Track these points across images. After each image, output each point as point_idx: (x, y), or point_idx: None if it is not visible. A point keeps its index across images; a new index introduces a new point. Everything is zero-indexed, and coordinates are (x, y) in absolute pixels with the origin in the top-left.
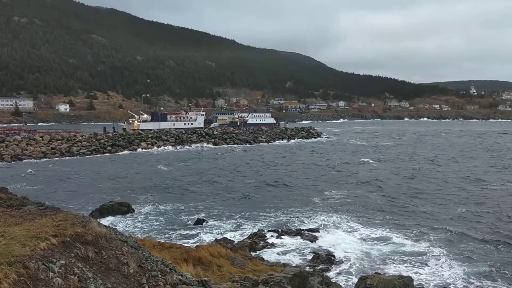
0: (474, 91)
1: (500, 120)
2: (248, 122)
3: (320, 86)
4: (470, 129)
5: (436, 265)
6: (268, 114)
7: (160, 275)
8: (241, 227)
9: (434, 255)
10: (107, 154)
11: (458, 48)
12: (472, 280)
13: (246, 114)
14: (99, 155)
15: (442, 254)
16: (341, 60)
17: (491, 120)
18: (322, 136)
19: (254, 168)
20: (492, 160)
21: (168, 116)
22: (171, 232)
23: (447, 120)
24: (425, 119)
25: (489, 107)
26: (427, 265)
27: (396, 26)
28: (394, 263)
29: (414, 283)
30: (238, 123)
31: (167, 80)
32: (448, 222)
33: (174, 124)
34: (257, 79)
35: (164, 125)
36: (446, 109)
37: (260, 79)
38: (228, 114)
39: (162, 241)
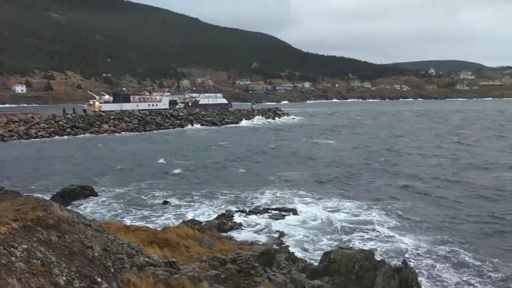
0: (433, 71)
1: (458, 99)
2: (199, 103)
3: (286, 67)
4: (429, 108)
5: (394, 236)
6: (219, 95)
7: (126, 258)
8: (208, 208)
9: (393, 227)
10: (66, 136)
11: (416, 28)
12: (430, 248)
13: (197, 95)
14: (57, 137)
15: (398, 225)
16: (305, 41)
17: (447, 99)
18: (289, 117)
19: (220, 148)
20: (436, 138)
21: (131, 97)
22: (136, 215)
23: (407, 99)
24: (387, 100)
25: (447, 87)
26: (389, 237)
27: (358, 6)
28: (358, 237)
29: (376, 255)
30: (190, 104)
31: (129, 60)
32: (399, 194)
33: (137, 106)
34: (222, 59)
35: (127, 106)
36: (406, 89)
37: (226, 60)
38: (179, 94)
39: (128, 223)
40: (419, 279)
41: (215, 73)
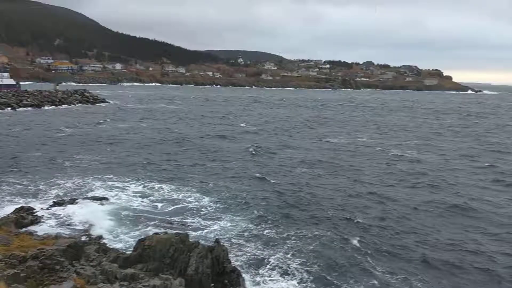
0: (241, 60)
1: (264, 88)
2: None
3: (94, 46)
4: (237, 96)
5: (209, 217)
6: (6, 74)
7: None
8: (3, 203)
9: (207, 208)
10: None
11: (226, 18)
12: (242, 227)
13: None
14: None
15: (213, 206)
16: (115, 19)
17: (254, 87)
18: (99, 100)
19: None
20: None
21: None
22: None
23: (218, 86)
24: (201, 86)
25: (254, 76)
26: (204, 218)
27: None
28: (174, 221)
29: (191, 238)
30: None
31: None
32: (208, 176)
33: None
34: (19, 35)
35: None
36: (218, 76)
37: (24, 35)
38: None
39: None
40: (230, 255)
41: (10, 49)
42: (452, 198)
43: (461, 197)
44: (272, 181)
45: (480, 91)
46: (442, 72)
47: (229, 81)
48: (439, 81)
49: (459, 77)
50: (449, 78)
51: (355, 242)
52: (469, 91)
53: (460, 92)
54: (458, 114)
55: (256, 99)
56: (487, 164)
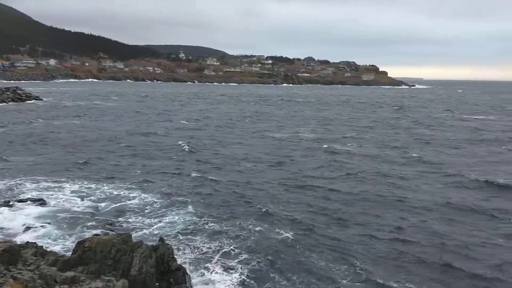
0: (183, 55)
1: (207, 83)
2: None
3: (26, 41)
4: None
5: (154, 215)
6: None
7: None
8: None
9: (151, 206)
10: None
11: (163, 12)
12: (188, 223)
13: None
14: None
15: (157, 204)
16: (48, 14)
17: (196, 82)
18: (32, 97)
19: None
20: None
21: None
22: None
23: (159, 82)
24: (144, 81)
25: (197, 71)
26: (147, 217)
27: None
28: (116, 221)
29: (135, 238)
30: None
31: None
32: (151, 174)
33: None
34: None
35: None
36: (159, 71)
37: None
38: None
39: None
40: (176, 253)
41: None
42: (382, 188)
43: (395, 188)
44: (213, 177)
45: (413, 85)
46: (378, 68)
47: (171, 76)
48: (375, 76)
49: (394, 72)
50: (385, 73)
51: (295, 235)
52: (403, 86)
53: (395, 87)
54: (391, 107)
55: (198, 95)
56: (415, 155)
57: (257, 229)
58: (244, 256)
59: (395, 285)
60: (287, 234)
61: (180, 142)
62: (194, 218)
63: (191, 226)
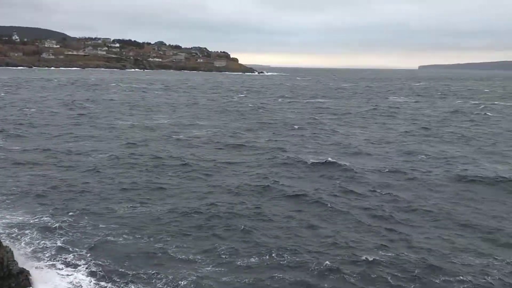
0: (17, 37)
1: (45, 68)
2: None
3: None
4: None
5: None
6: None
7: None
8: None
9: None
10: None
11: None
12: (23, 222)
13: None
14: None
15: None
16: None
17: (34, 68)
18: None
19: None
20: None
21: None
22: None
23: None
24: None
25: (34, 55)
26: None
27: None
28: None
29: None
30: None
31: None
32: None
33: None
34: None
35: None
36: None
37: None
38: None
39: None
40: (17, 255)
41: None
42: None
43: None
44: (46, 172)
45: (262, 72)
46: (229, 55)
47: (3, 60)
48: (227, 63)
49: (244, 59)
50: (236, 60)
51: (144, 229)
52: (255, 72)
53: (246, 73)
54: (240, 93)
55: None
56: (240, 143)
57: (107, 226)
58: (92, 253)
59: None
60: (136, 230)
61: None
62: (40, 213)
63: (37, 223)
